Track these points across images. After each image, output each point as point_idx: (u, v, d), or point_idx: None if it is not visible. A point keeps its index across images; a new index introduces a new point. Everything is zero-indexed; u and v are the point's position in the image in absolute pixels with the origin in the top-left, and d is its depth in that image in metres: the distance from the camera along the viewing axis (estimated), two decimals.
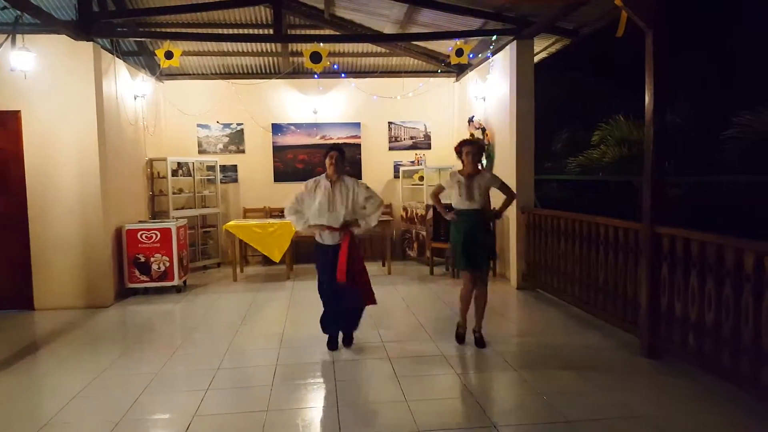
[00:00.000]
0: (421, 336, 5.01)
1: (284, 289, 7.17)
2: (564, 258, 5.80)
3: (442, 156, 9.04)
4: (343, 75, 9.05)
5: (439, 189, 4.84)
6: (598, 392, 3.68)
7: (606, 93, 12.95)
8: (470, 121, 8.20)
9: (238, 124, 9.12)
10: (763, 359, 3.23)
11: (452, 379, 4.01)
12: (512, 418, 3.40)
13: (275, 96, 9.17)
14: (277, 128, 9.16)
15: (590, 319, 5.31)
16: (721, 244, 3.54)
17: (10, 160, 6.19)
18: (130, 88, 7.51)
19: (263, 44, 8.43)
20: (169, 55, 7.12)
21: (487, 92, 7.84)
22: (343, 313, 4.71)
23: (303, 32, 8.23)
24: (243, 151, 9.16)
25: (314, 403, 3.73)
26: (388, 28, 7.99)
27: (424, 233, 8.24)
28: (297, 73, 8.95)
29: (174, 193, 8.24)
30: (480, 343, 4.66)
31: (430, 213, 7.79)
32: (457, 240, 4.63)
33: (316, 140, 9.20)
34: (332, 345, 4.68)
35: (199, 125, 9.05)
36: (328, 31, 8.05)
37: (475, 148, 4.68)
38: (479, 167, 4.71)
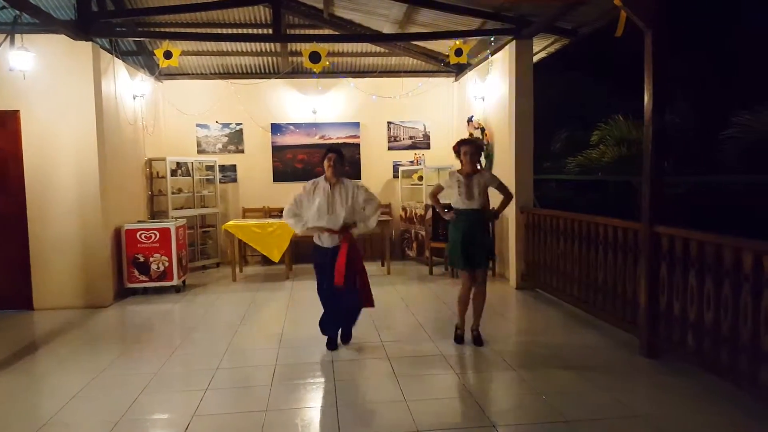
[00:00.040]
0: (420, 336, 5.02)
1: (283, 289, 7.17)
2: (563, 258, 5.80)
3: (442, 156, 9.03)
4: (342, 75, 9.05)
5: (438, 189, 4.84)
6: (597, 392, 3.68)
7: (605, 93, 12.97)
8: (469, 120, 8.20)
9: (237, 124, 9.12)
10: (762, 358, 3.23)
11: (451, 379, 4.01)
12: (511, 417, 3.40)
13: (274, 96, 9.16)
14: (276, 128, 9.15)
15: (589, 318, 5.31)
16: (720, 244, 3.54)
17: (9, 159, 6.18)
18: (129, 87, 7.51)
19: (262, 44, 8.43)
20: (168, 55, 7.12)
21: (487, 92, 7.84)
22: (342, 313, 4.72)
23: (302, 32, 8.23)
24: (242, 151, 9.16)
25: (313, 402, 3.73)
26: (387, 28, 7.99)
27: (423, 233, 8.24)
28: (296, 72, 8.95)
29: (173, 193, 8.24)
30: (478, 341, 4.67)
31: (429, 213, 7.79)
32: (455, 239, 4.62)
33: (316, 140, 9.20)
34: (331, 345, 4.67)
35: (198, 125, 9.04)
36: (327, 31, 8.05)
37: (473, 148, 4.68)
38: (478, 167, 4.71)
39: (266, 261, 8.34)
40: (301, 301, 6.48)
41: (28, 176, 6.21)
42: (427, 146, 9.41)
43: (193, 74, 8.97)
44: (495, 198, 4.78)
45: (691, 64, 11.28)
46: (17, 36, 5.62)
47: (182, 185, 8.53)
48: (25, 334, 5.49)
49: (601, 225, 5.04)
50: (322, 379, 4.04)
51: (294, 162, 9.19)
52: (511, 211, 6.69)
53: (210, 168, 8.94)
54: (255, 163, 9.15)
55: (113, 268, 6.64)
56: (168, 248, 6.87)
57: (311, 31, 8.13)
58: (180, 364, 4.42)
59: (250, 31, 8.01)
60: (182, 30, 7.78)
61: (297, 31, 8.26)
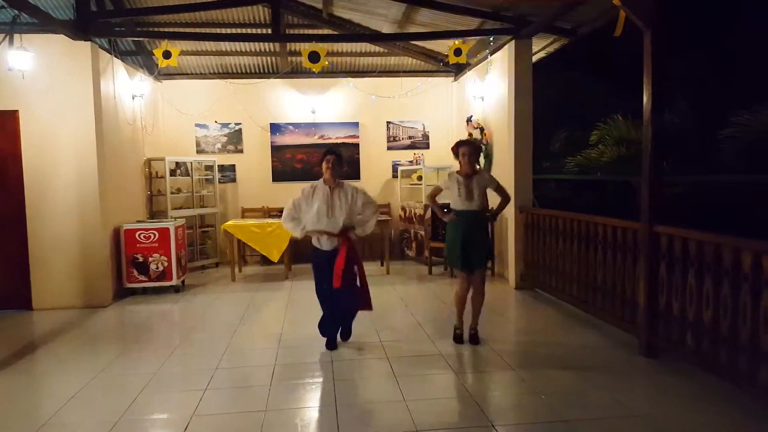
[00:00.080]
0: (420, 336, 5.02)
1: (282, 289, 7.17)
2: (562, 257, 5.80)
3: (441, 156, 9.03)
4: (341, 75, 9.05)
5: (437, 191, 4.84)
6: (597, 391, 3.68)
7: (604, 92, 12.99)
8: (468, 120, 8.20)
9: (237, 124, 9.11)
10: (761, 358, 3.24)
11: (450, 379, 4.01)
12: (510, 417, 3.41)
13: (273, 96, 9.16)
14: (275, 128, 9.15)
15: (588, 318, 5.32)
16: (719, 244, 3.55)
17: (8, 159, 6.18)
18: (128, 87, 7.50)
19: (261, 44, 8.42)
20: (167, 55, 7.11)
21: (486, 92, 7.84)
22: (341, 314, 4.73)
23: (301, 32, 8.22)
24: (241, 151, 9.16)
25: (312, 402, 3.73)
26: (387, 28, 7.99)
27: (423, 233, 8.24)
28: (295, 72, 8.94)
29: (172, 193, 8.23)
30: (474, 339, 4.68)
31: (429, 213, 7.79)
32: (454, 240, 4.62)
33: (315, 140, 9.20)
34: (331, 345, 4.67)
35: (197, 125, 9.04)
36: (326, 31, 8.05)
37: (471, 149, 4.68)
38: (477, 168, 4.72)
39: (265, 261, 8.33)
40: (301, 301, 6.48)
41: (27, 176, 6.21)
42: (427, 146, 9.41)
43: (192, 74, 8.96)
44: (493, 200, 4.79)
45: (690, 63, 11.30)
46: (16, 36, 5.62)
47: (181, 185, 8.52)
48: (24, 334, 5.49)
49: (600, 225, 5.05)
50: (322, 379, 4.04)
51: (293, 162, 9.19)
52: (510, 211, 6.68)
53: (209, 168, 8.93)
54: (254, 163, 9.15)
55: (112, 268, 6.64)
56: (167, 248, 6.86)
57: (310, 31, 8.12)
58: (179, 364, 4.42)
59: (249, 30, 8.00)
60: (181, 30, 7.78)
61: (296, 31, 8.25)
